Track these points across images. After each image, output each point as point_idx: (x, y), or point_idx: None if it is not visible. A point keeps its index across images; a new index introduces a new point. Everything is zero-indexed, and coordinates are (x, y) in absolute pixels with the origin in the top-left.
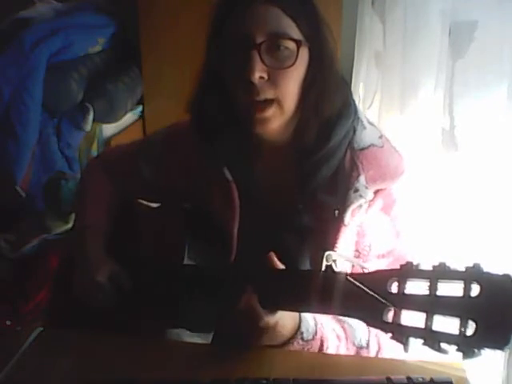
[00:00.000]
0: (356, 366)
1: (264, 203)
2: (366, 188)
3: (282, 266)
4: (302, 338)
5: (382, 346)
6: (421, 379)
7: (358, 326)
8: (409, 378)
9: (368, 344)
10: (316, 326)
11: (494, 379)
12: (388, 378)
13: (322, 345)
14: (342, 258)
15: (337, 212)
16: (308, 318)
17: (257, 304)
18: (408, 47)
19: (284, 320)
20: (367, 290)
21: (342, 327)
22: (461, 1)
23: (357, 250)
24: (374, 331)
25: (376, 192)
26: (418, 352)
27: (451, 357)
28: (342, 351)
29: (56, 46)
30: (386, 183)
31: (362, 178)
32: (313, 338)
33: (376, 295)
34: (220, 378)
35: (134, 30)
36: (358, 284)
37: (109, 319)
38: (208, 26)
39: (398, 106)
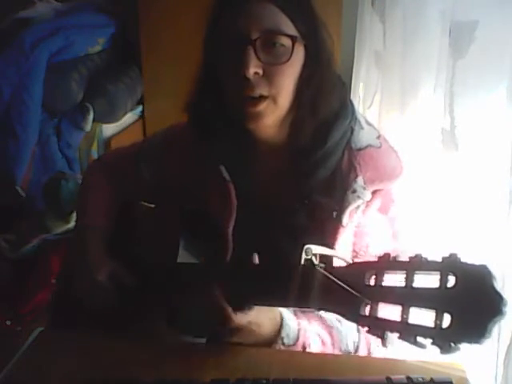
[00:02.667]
0: (356, 366)
1: (261, 203)
2: (364, 189)
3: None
4: (283, 343)
5: (371, 351)
6: (421, 379)
7: (347, 332)
8: (409, 378)
9: (357, 350)
10: (299, 331)
11: (494, 379)
12: (388, 378)
13: (304, 349)
14: (322, 251)
15: (335, 213)
16: (291, 323)
17: (225, 304)
18: (408, 47)
19: (259, 319)
20: (341, 284)
21: (330, 333)
22: (461, 1)
23: (354, 251)
24: (365, 337)
25: (374, 192)
26: (418, 352)
27: (451, 356)
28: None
29: (56, 46)
30: (384, 184)
31: (359, 179)
32: (294, 344)
33: (350, 289)
34: (220, 378)
35: (134, 30)
36: (331, 277)
37: (109, 319)
38: (205, 24)
39: (398, 106)
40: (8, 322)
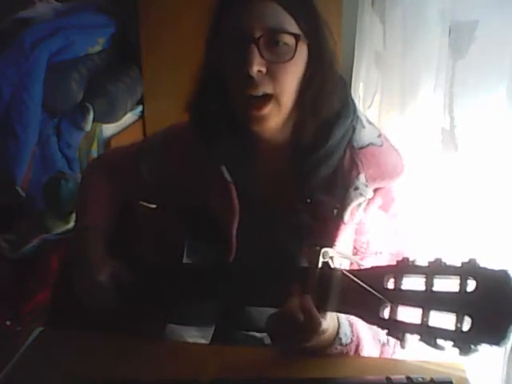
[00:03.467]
0: (356, 366)
1: (263, 203)
2: (366, 186)
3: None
4: (341, 343)
5: (363, 346)
6: (421, 379)
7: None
8: (409, 378)
9: (349, 343)
10: (352, 326)
11: (494, 379)
12: (388, 378)
13: (358, 346)
14: (339, 255)
15: (336, 211)
16: (344, 321)
17: (316, 312)
18: (408, 47)
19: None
20: (364, 286)
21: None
22: (461, 1)
23: (355, 248)
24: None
25: (375, 190)
26: (417, 352)
27: (451, 356)
28: (373, 352)
29: (56, 46)
30: (386, 182)
31: (361, 177)
32: (351, 341)
33: (373, 291)
34: (220, 377)
35: (134, 30)
36: (355, 279)
37: (109, 319)
38: (208, 24)
39: (398, 106)
40: (8, 322)
